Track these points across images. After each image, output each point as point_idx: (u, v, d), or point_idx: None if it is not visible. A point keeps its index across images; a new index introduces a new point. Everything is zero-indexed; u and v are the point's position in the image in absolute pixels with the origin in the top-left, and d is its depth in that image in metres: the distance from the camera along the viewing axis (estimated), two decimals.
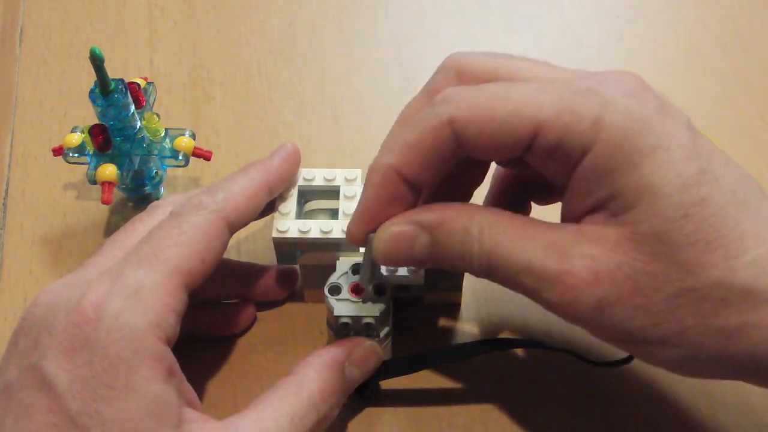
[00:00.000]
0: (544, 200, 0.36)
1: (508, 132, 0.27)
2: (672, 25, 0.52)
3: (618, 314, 0.27)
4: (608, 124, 0.27)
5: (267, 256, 0.40)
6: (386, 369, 0.35)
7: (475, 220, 0.29)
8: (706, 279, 0.26)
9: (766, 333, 0.26)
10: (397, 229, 0.30)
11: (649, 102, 0.27)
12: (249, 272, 0.39)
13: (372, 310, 0.33)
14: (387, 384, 0.36)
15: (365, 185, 0.30)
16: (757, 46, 0.51)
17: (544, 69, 0.30)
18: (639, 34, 0.52)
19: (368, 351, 0.34)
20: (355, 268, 0.34)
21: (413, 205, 0.30)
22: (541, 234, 0.28)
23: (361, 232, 0.31)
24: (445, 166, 0.29)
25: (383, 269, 0.35)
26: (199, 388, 0.37)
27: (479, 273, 0.29)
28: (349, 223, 0.31)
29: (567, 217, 0.29)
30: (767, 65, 0.50)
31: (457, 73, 0.30)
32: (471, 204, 0.30)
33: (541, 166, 0.29)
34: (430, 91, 0.31)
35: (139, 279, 0.29)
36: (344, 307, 0.34)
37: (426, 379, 0.37)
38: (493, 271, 0.29)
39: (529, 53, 0.52)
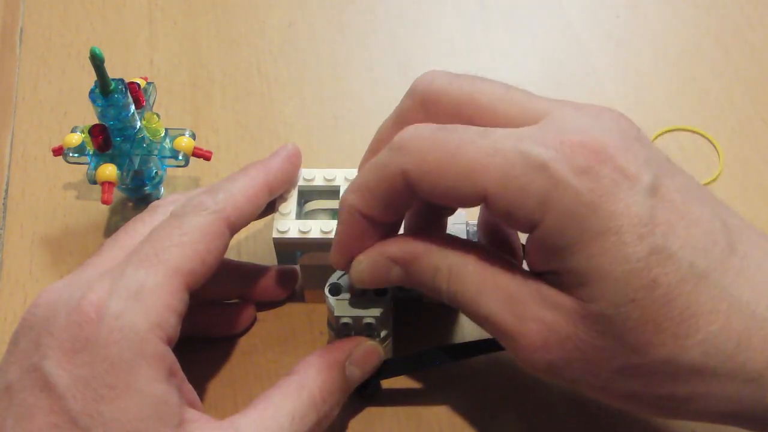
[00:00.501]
0: None
1: (458, 193, 0.28)
2: (672, 25, 0.52)
3: (568, 376, 0.28)
4: (555, 206, 0.26)
5: (267, 257, 0.40)
6: (387, 368, 0.35)
7: (445, 261, 0.30)
8: (653, 357, 0.26)
9: (713, 401, 0.27)
10: (369, 262, 0.31)
11: (604, 178, 0.26)
12: (249, 272, 0.39)
13: (373, 310, 0.33)
14: (387, 383, 0.36)
15: (338, 218, 0.31)
16: (757, 46, 0.51)
17: (511, 104, 0.29)
18: (639, 34, 0.52)
19: (369, 351, 0.34)
20: None
21: (385, 235, 0.31)
22: (505, 286, 0.29)
23: (342, 261, 0.32)
24: (403, 207, 0.30)
25: None
26: (200, 388, 0.37)
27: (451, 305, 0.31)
28: (331, 253, 0.32)
29: (530, 266, 0.29)
30: (767, 65, 0.50)
31: (422, 101, 0.30)
32: (443, 239, 0.31)
33: (497, 220, 0.29)
34: (398, 118, 0.31)
35: (140, 279, 0.29)
36: (345, 307, 0.34)
37: (426, 379, 0.37)
38: (460, 309, 0.30)
39: (529, 53, 0.52)
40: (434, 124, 0.29)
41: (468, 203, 0.28)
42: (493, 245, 0.35)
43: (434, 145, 0.28)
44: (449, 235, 0.32)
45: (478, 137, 0.27)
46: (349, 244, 0.31)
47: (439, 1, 0.53)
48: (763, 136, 0.46)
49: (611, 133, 0.27)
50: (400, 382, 0.36)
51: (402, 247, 0.31)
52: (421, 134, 0.28)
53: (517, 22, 0.52)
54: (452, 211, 0.35)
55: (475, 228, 0.36)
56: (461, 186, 0.27)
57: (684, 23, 0.52)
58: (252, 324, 0.39)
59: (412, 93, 0.31)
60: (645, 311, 0.26)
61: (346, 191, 0.31)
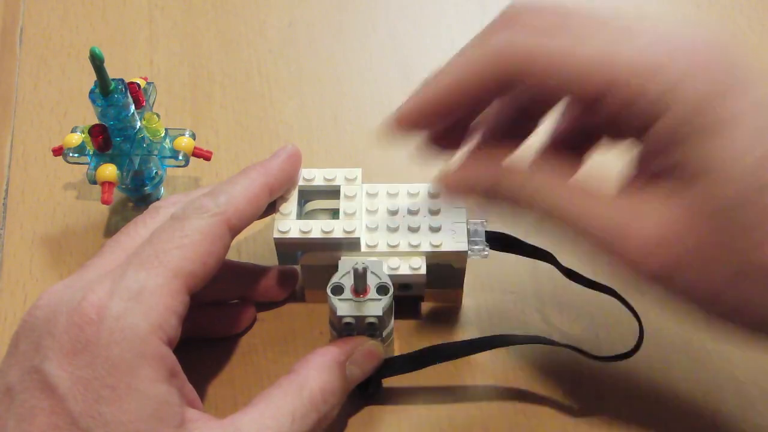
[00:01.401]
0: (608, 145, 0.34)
1: (581, 80, 0.28)
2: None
3: (679, 283, 0.28)
4: (681, 94, 0.26)
5: (268, 257, 0.40)
6: (388, 367, 0.35)
7: (532, 182, 0.29)
8: (762, 263, 0.26)
9: None
10: (454, 182, 0.31)
11: (721, 76, 0.27)
12: (249, 273, 0.39)
13: (375, 310, 0.33)
14: (388, 382, 0.36)
15: (425, 88, 0.30)
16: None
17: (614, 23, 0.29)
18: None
19: (370, 351, 0.34)
20: (357, 270, 0.34)
21: (453, 122, 0.31)
22: (611, 197, 0.29)
23: (404, 123, 0.31)
24: (500, 92, 0.30)
25: (385, 268, 0.35)
26: (200, 388, 0.37)
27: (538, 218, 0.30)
28: (399, 113, 0.31)
29: (635, 176, 0.29)
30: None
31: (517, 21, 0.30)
32: (521, 167, 0.30)
33: (610, 118, 0.29)
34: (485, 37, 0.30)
35: (141, 281, 0.29)
36: (347, 306, 0.34)
37: (427, 378, 0.37)
38: (552, 224, 0.30)
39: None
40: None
41: (587, 93, 0.28)
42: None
43: (553, 25, 0.28)
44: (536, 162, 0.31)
45: (602, 24, 0.28)
46: (419, 114, 0.31)
47: (439, 1, 0.53)
48: None
49: (720, 46, 0.28)
50: (401, 382, 0.36)
51: (485, 170, 0.31)
52: (533, 6, 0.28)
53: None
54: (537, 120, 0.33)
55: (476, 227, 0.36)
56: (587, 71, 0.27)
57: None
58: (252, 324, 0.39)
59: (505, 15, 0.30)
60: (758, 214, 0.26)
61: (437, 72, 0.30)
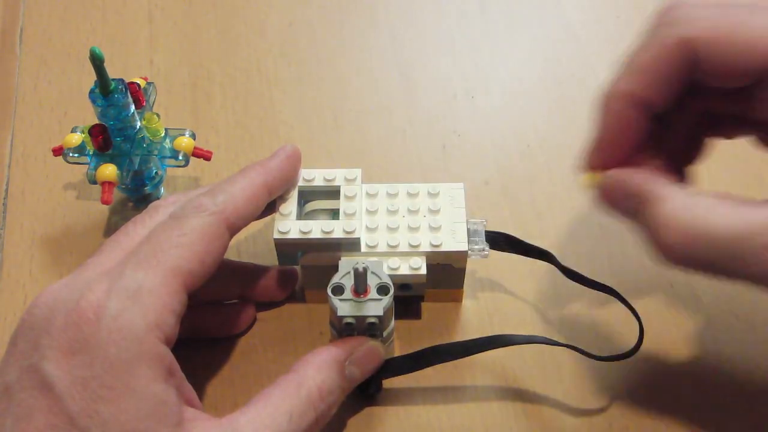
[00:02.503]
0: (729, 135, 0.34)
1: (747, 60, 0.26)
2: None
3: None
4: None
5: (268, 257, 0.40)
6: (388, 367, 0.35)
7: (691, 210, 0.27)
8: None
9: None
10: (612, 183, 0.30)
11: None
12: (249, 272, 0.39)
13: (376, 310, 0.33)
14: (388, 383, 0.36)
15: (600, 115, 0.29)
16: None
17: None
18: (639, 34, 0.52)
19: (370, 351, 0.34)
20: (357, 270, 0.34)
21: (646, 133, 0.30)
22: (750, 206, 0.27)
23: (598, 162, 0.30)
24: (679, 86, 0.28)
25: (385, 268, 0.35)
26: (199, 388, 0.37)
27: (683, 263, 0.28)
28: (587, 155, 0.30)
29: None
30: None
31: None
32: (684, 186, 0.29)
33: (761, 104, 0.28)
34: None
35: (139, 280, 0.29)
36: (348, 307, 0.34)
37: (427, 378, 0.37)
38: (704, 263, 0.28)
39: (529, 53, 0.52)
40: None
41: (752, 75, 0.27)
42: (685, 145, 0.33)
43: (719, 12, 0.27)
44: (691, 189, 0.29)
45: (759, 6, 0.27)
46: (611, 142, 0.30)
47: (439, 1, 0.53)
48: None
49: None
50: (401, 382, 0.36)
51: (643, 182, 0.29)
52: (703, 3, 0.27)
53: (517, 22, 0.52)
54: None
55: (476, 227, 0.36)
56: (752, 53, 0.26)
57: None
58: (252, 324, 0.39)
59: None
60: None
61: (612, 83, 0.29)
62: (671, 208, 0.28)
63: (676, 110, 0.31)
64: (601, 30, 0.52)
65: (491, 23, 0.52)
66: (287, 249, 0.37)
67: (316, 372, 0.32)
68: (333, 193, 0.37)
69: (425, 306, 0.39)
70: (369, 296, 0.34)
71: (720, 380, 0.36)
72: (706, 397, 0.36)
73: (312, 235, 0.35)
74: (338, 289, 0.34)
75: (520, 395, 0.36)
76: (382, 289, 0.34)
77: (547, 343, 0.35)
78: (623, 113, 0.29)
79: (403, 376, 0.36)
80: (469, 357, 0.36)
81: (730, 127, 0.33)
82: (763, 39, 0.26)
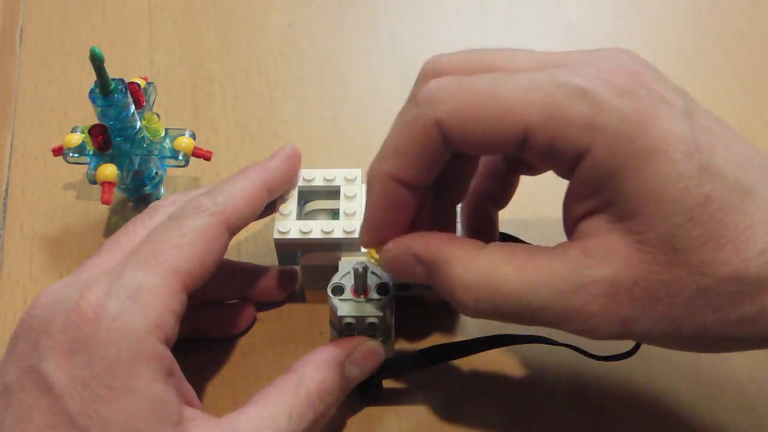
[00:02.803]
0: (536, 173, 0.34)
1: (497, 135, 0.27)
2: (672, 26, 0.52)
3: (642, 326, 0.27)
4: (602, 129, 0.26)
5: (268, 257, 0.40)
6: (388, 367, 0.35)
7: (472, 269, 0.28)
8: (719, 276, 0.26)
9: None
10: (395, 254, 0.30)
11: (644, 98, 0.26)
12: (249, 272, 0.39)
13: (376, 310, 0.33)
14: (388, 383, 0.36)
15: (367, 194, 0.30)
16: (757, 47, 0.51)
17: (526, 56, 0.29)
18: (639, 34, 0.52)
19: (370, 351, 0.34)
20: (357, 270, 0.34)
21: (417, 206, 0.30)
22: (548, 267, 0.27)
23: (373, 240, 0.31)
24: (439, 164, 0.29)
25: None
26: (199, 388, 0.37)
27: (483, 316, 0.29)
28: (361, 233, 0.31)
29: (568, 216, 0.29)
30: (767, 65, 0.50)
31: (435, 76, 0.29)
32: (467, 242, 0.29)
33: (536, 163, 0.28)
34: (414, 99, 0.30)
35: (139, 280, 0.29)
36: (348, 307, 0.34)
37: (427, 378, 0.37)
38: (501, 315, 0.29)
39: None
40: (458, 75, 0.28)
41: (507, 146, 0.27)
42: (474, 226, 0.34)
43: (465, 90, 0.27)
44: (476, 242, 0.29)
45: (508, 76, 0.27)
46: (382, 220, 0.30)
47: (439, 1, 0.53)
48: (763, 136, 0.46)
49: (636, 63, 0.27)
50: (401, 382, 0.36)
51: (427, 246, 0.30)
52: (447, 83, 0.27)
53: (517, 22, 0.52)
54: (474, 172, 0.33)
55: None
56: (501, 126, 0.26)
57: (684, 23, 0.52)
58: (252, 324, 0.39)
59: (424, 74, 0.30)
60: (704, 228, 0.25)
61: (374, 161, 0.29)
62: (460, 271, 0.28)
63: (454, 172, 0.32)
64: (601, 30, 0.52)
65: (491, 23, 0.52)
66: (287, 249, 0.37)
67: (316, 372, 0.32)
68: (333, 193, 0.37)
69: (425, 306, 0.39)
70: (369, 296, 0.34)
71: (720, 380, 0.36)
72: (706, 397, 0.36)
73: (312, 235, 0.35)
74: (338, 289, 0.34)
75: (520, 395, 0.36)
76: (382, 289, 0.34)
77: (547, 343, 0.35)
78: (387, 193, 0.29)
79: (403, 376, 0.36)
80: (469, 357, 0.36)
81: (526, 171, 0.34)
82: (508, 111, 0.26)
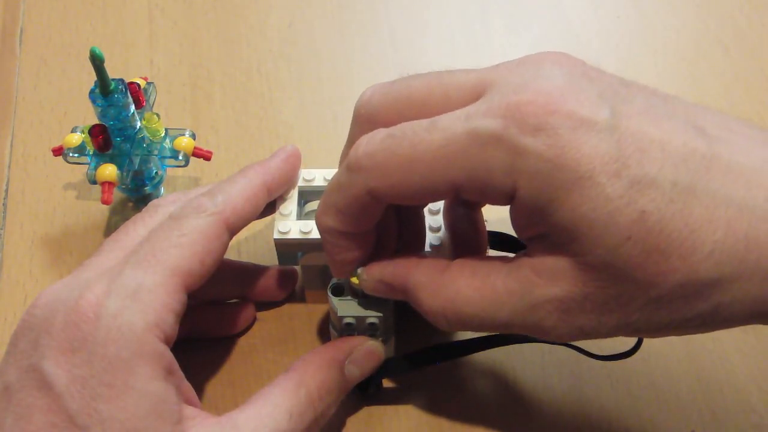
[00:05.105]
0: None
1: (427, 193, 0.28)
2: (672, 25, 0.52)
3: (601, 331, 0.28)
4: (521, 171, 0.26)
5: (268, 257, 0.40)
6: (388, 367, 0.35)
7: (435, 294, 0.30)
8: (670, 285, 0.26)
9: (739, 306, 0.26)
10: (371, 284, 0.32)
11: (560, 129, 0.25)
12: (249, 272, 0.39)
13: (376, 310, 0.33)
14: (388, 383, 0.36)
15: (321, 238, 0.32)
16: (757, 47, 0.51)
17: (458, 86, 0.29)
18: (639, 34, 0.52)
19: (369, 351, 0.34)
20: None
21: (372, 241, 0.32)
22: (503, 289, 0.28)
23: (343, 273, 0.33)
24: (376, 215, 0.30)
25: None
26: (199, 388, 0.37)
27: (464, 330, 0.31)
28: (330, 268, 0.33)
29: (518, 235, 0.29)
30: (767, 65, 0.50)
31: (368, 122, 0.30)
32: (433, 265, 0.31)
33: (477, 203, 0.30)
34: (352, 145, 0.31)
35: (138, 279, 0.29)
36: (348, 307, 0.34)
37: (427, 378, 0.37)
38: (471, 330, 0.31)
39: (529, 53, 0.52)
40: (383, 130, 0.29)
41: (442, 197, 0.29)
42: (459, 230, 0.35)
43: (389, 155, 0.28)
44: (440, 264, 0.31)
45: (427, 133, 0.27)
46: (341, 258, 0.32)
47: (439, 1, 0.53)
48: None
49: (555, 79, 0.27)
50: (401, 382, 0.36)
51: (393, 275, 0.31)
52: (373, 148, 0.28)
53: (517, 22, 0.52)
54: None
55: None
56: (429, 185, 0.28)
57: (684, 23, 0.52)
58: (252, 324, 0.39)
59: (355, 119, 0.31)
60: (645, 244, 0.25)
61: (318, 213, 0.31)
62: (426, 299, 0.30)
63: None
64: (601, 30, 0.52)
65: (491, 23, 0.52)
66: (287, 249, 0.37)
67: (316, 371, 0.32)
68: None
69: None
70: (369, 297, 0.34)
71: (720, 380, 0.36)
72: (705, 397, 0.36)
73: (312, 235, 0.35)
74: (338, 290, 0.34)
75: (520, 395, 0.36)
76: None
77: (547, 343, 0.35)
78: (337, 241, 0.31)
79: (403, 376, 0.36)
80: (469, 357, 0.36)
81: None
82: (432, 173, 0.27)
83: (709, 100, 0.48)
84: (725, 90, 0.48)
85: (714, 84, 0.49)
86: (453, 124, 0.27)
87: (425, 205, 0.35)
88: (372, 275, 0.32)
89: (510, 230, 0.38)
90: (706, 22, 0.52)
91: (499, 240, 0.37)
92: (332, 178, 0.31)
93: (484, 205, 0.35)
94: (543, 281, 0.27)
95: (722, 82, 0.49)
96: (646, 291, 0.26)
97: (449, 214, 0.35)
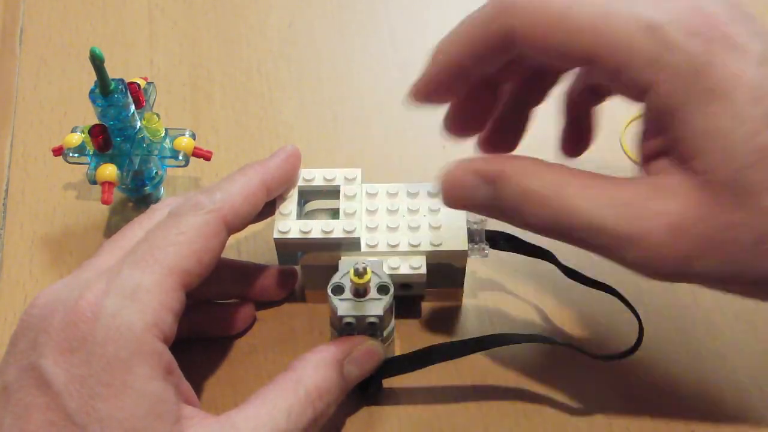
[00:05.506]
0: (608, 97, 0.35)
1: (566, 52, 0.28)
2: None
3: (703, 267, 0.27)
4: (666, 66, 0.26)
5: (268, 257, 0.40)
6: (388, 367, 0.35)
7: (540, 180, 0.28)
8: None
9: None
10: (457, 174, 0.30)
11: (715, 41, 0.26)
12: (248, 271, 0.39)
13: (375, 310, 0.33)
14: (388, 383, 0.36)
15: (430, 58, 0.32)
16: None
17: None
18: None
19: (369, 350, 0.34)
20: (357, 269, 0.34)
21: (465, 90, 0.32)
22: (615, 192, 0.28)
23: (420, 96, 0.32)
24: (498, 63, 0.30)
25: (385, 268, 0.35)
26: (200, 388, 0.37)
27: (544, 232, 0.29)
28: (412, 86, 0.32)
29: (641, 156, 0.29)
30: None
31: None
32: (536, 160, 0.30)
33: (607, 84, 0.29)
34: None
35: (136, 279, 0.29)
36: (348, 306, 0.34)
37: (427, 378, 0.37)
38: (562, 232, 0.29)
39: None
40: None
41: (574, 63, 0.29)
42: (574, 119, 0.35)
43: (544, 3, 0.28)
44: (541, 160, 0.30)
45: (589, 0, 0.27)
46: (432, 84, 0.32)
47: (440, 1, 0.53)
48: None
49: (719, 6, 0.27)
50: (401, 382, 0.36)
51: (491, 163, 0.30)
52: None
53: None
54: (540, 101, 0.35)
55: (476, 226, 0.36)
56: (571, 45, 0.27)
57: None
58: (252, 324, 0.39)
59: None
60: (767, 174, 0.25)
61: (444, 37, 0.31)
62: (526, 182, 0.29)
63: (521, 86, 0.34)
64: None
65: None
66: (287, 249, 0.37)
67: (315, 371, 0.32)
68: (333, 192, 0.37)
69: (425, 306, 0.39)
70: (369, 296, 0.34)
71: (720, 380, 0.36)
72: (705, 397, 0.36)
73: (312, 235, 0.35)
74: (338, 289, 0.34)
75: (520, 395, 0.36)
76: (382, 289, 0.34)
77: (546, 342, 0.35)
78: (442, 66, 0.31)
79: (403, 376, 0.36)
80: (469, 357, 0.36)
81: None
82: (577, 34, 0.27)
83: None
84: None
85: None
86: (619, 2, 0.27)
87: (552, 74, 0.34)
88: (461, 165, 0.30)
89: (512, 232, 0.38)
90: None
91: (499, 240, 0.37)
92: (470, 16, 0.30)
93: (610, 97, 0.34)
94: (661, 195, 0.27)
95: None
96: (761, 223, 0.26)
97: (571, 98, 0.35)
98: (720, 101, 0.26)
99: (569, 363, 0.37)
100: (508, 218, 0.30)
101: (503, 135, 0.35)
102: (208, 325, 0.38)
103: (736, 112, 0.25)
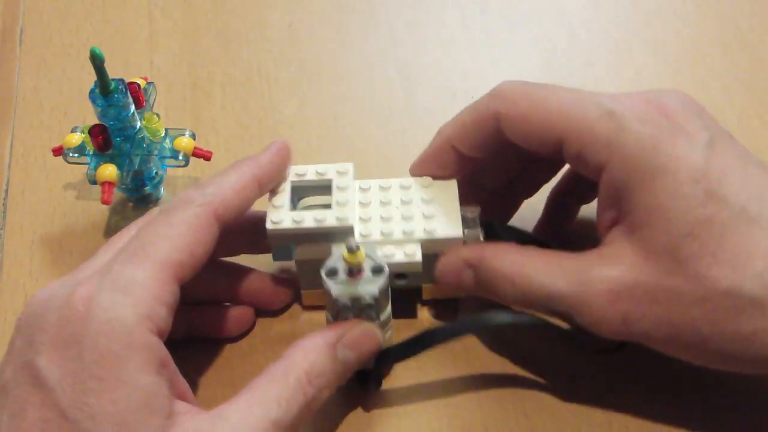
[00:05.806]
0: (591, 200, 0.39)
1: (539, 136, 0.32)
2: (672, 25, 0.52)
3: (641, 328, 0.30)
4: (619, 147, 0.30)
5: (266, 258, 0.40)
6: (387, 356, 0.35)
7: (508, 261, 0.33)
8: (715, 289, 0.29)
9: None
10: (451, 261, 0.35)
11: (664, 128, 0.30)
12: (242, 273, 0.39)
13: (370, 290, 0.33)
14: (388, 382, 0.36)
15: (431, 142, 0.37)
16: (757, 47, 0.51)
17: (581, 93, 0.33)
18: (639, 34, 0.52)
19: (364, 333, 0.34)
20: (350, 246, 0.33)
21: (459, 170, 0.36)
22: (569, 263, 0.31)
23: (418, 171, 0.37)
24: (487, 148, 0.35)
25: (379, 252, 0.35)
26: (199, 388, 0.37)
27: (518, 305, 0.34)
28: (413, 164, 0.37)
29: (599, 226, 0.33)
30: (767, 65, 0.50)
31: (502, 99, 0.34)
32: (509, 245, 0.34)
33: (574, 166, 0.33)
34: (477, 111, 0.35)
35: (128, 273, 0.29)
36: (342, 288, 0.33)
37: (427, 378, 0.37)
38: (531, 304, 0.33)
39: (529, 53, 0.52)
40: (527, 81, 0.34)
41: (546, 146, 0.33)
42: (555, 211, 0.40)
43: (525, 93, 0.33)
44: (515, 245, 0.34)
45: (565, 91, 0.33)
46: (430, 162, 0.36)
47: (440, 1, 0.53)
48: (763, 136, 0.46)
49: (674, 102, 0.32)
50: (401, 382, 0.36)
51: (473, 251, 0.34)
52: (515, 85, 0.34)
53: (517, 22, 0.52)
54: (541, 183, 0.40)
55: (470, 214, 0.36)
56: (543, 129, 0.32)
57: (684, 23, 0.52)
58: (251, 328, 0.39)
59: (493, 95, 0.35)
60: (702, 244, 0.29)
61: (445, 124, 0.36)
62: (498, 264, 0.33)
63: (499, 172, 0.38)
64: (601, 30, 0.52)
65: (491, 23, 0.52)
66: (280, 240, 0.36)
67: (304, 356, 0.32)
68: (326, 188, 0.37)
69: (424, 304, 0.39)
70: (363, 277, 0.33)
71: (720, 380, 0.36)
72: (705, 397, 0.36)
73: (305, 225, 0.35)
74: (332, 272, 0.34)
75: (519, 395, 0.36)
76: (377, 271, 0.34)
77: (543, 324, 0.34)
78: (441, 148, 0.36)
79: (402, 376, 0.36)
80: (468, 357, 0.36)
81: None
82: (550, 119, 0.32)
83: (709, 100, 0.48)
84: (725, 90, 0.48)
85: (714, 84, 0.49)
86: (588, 95, 0.33)
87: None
88: (453, 253, 0.35)
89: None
90: (706, 21, 0.52)
91: (495, 228, 0.37)
92: (469, 105, 0.35)
93: (589, 201, 0.39)
94: (604, 262, 0.31)
95: (722, 82, 0.49)
96: (694, 289, 0.29)
97: (556, 196, 0.40)
98: (664, 178, 0.29)
99: (569, 363, 0.37)
100: (491, 296, 0.34)
101: (492, 211, 0.39)
102: (208, 327, 0.38)
103: (677, 189, 0.29)
